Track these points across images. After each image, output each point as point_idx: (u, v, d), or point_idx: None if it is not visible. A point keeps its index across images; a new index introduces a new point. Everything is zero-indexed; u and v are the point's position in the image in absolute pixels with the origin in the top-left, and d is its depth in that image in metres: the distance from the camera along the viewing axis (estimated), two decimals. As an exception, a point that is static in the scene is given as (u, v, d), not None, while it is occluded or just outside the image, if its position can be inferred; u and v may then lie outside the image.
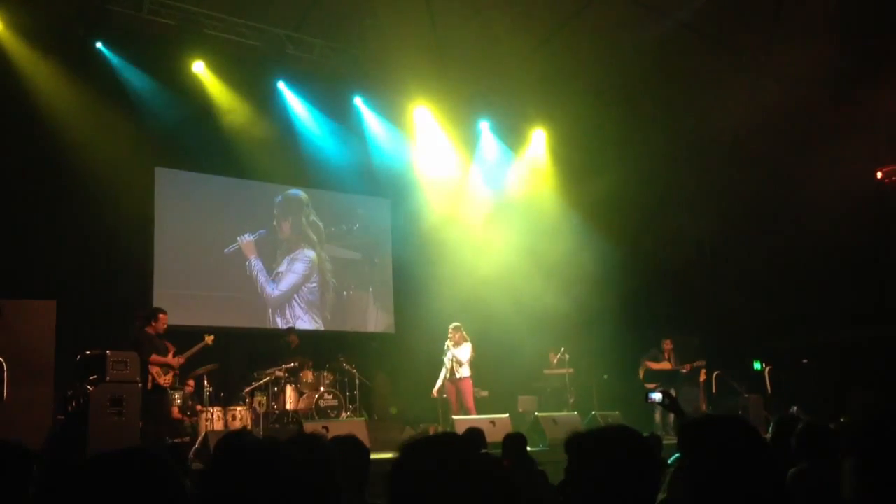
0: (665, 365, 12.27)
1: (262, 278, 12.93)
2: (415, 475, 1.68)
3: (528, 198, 14.38)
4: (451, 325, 11.09)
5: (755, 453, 2.01)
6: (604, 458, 2.03)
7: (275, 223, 13.28)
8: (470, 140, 14.57)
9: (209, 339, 9.81)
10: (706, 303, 13.36)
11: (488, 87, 13.46)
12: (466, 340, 11.04)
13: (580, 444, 2.07)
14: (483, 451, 5.93)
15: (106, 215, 10.92)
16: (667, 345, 12.35)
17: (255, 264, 12.91)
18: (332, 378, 11.35)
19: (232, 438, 2.03)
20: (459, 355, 10.94)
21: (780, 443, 4.46)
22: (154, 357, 9.20)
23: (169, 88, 11.60)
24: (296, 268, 13.38)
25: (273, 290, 13.04)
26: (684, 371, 12.16)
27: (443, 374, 11.09)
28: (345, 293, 13.91)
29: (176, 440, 9.06)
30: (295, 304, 13.25)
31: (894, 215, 12.41)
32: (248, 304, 12.74)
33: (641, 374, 12.35)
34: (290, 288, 13.26)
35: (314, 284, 13.54)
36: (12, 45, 10.50)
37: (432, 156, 14.11)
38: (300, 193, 13.61)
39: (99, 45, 11.27)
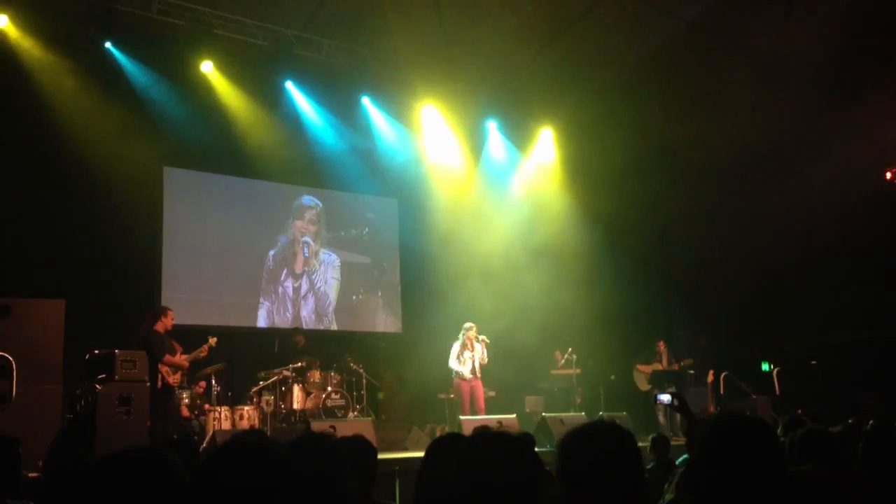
0: (655, 366, 12.29)
1: (290, 304, 13.08)
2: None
3: (536, 197, 14.35)
4: (471, 325, 11.03)
5: (767, 452, 2.01)
6: (580, 454, 2.06)
7: (290, 230, 13.35)
8: (477, 139, 14.56)
9: (213, 340, 9.81)
10: (715, 303, 13.33)
11: (496, 87, 13.44)
12: (478, 341, 11.03)
13: (564, 444, 2.10)
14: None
15: (115, 214, 10.96)
16: (660, 346, 12.36)
17: (287, 286, 13.07)
18: (339, 378, 11.36)
19: (241, 439, 2.03)
20: (482, 355, 10.94)
21: (789, 444, 4.45)
22: (167, 357, 9.23)
23: (178, 88, 11.63)
24: (319, 279, 13.49)
25: (309, 314, 13.25)
26: (675, 369, 12.16)
27: (456, 372, 11.00)
28: (354, 297, 13.92)
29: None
30: (304, 308, 13.27)
31: (904, 216, 12.34)
32: (255, 304, 12.77)
33: (636, 378, 12.37)
34: (321, 303, 13.46)
35: (327, 289, 13.59)
36: (22, 45, 10.53)
37: (440, 155, 14.10)
38: (315, 201, 13.66)
39: (108, 44, 11.29)
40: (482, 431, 2.01)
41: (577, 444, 2.09)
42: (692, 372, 12.20)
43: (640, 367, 12.38)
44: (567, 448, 2.10)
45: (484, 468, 1.88)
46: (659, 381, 11.99)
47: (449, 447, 2.65)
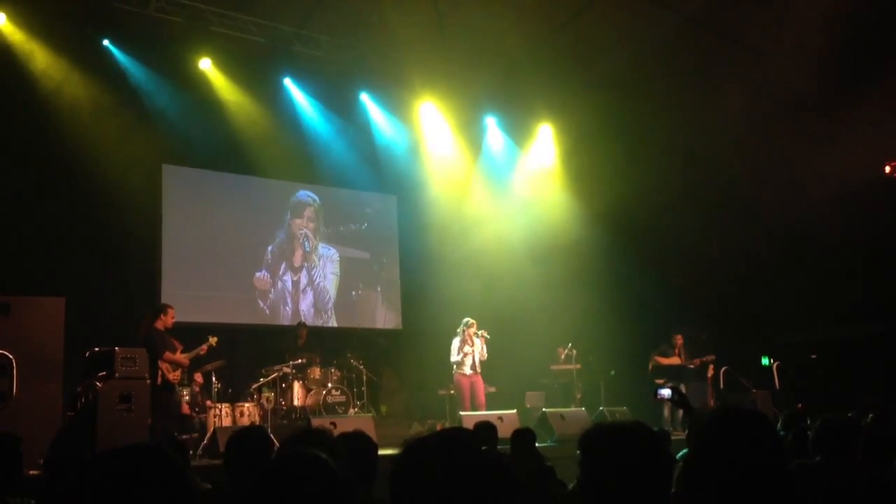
0: (675, 360, 12.22)
1: (289, 298, 13.07)
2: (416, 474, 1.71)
3: (535, 193, 14.35)
4: (471, 321, 11.04)
5: (765, 445, 2.00)
6: (617, 454, 2.01)
7: (288, 225, 13.35)
8: (476, 136, 14.55)
9: (213, 340, 9.81)
10: (714, 298, 13.32)
11: (495, 83, 13.42)
12: (478, 336, 11.04)
13: (593, 440, 2.06)
14: (494, 446, 5.93)
15: (114, 212, 10.96)
16: (678, 340, 12.29)
17: (286, 280, 13.06)
18: (339, 374, 11.37)
19: (242, 436, 2.03)
20: (482, 351, 10.95)
21: (788, 437, 4.46)
22: (167, 355, 9.22)
23: (176, 86, 11.64)
24: (318, 274, 13.49)
25: (308, 308, 13.25)
26: (692, 366, 12.12)
27: (456, 367, 11.01)
28: (353, 293, 13.92)
29: (184, 436, 9.08)
30: (303, 302, 13.28)
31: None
32: (255, 301, 12.77)
33: (651, 368, 12.31)
34: (320, 297, 13.47)
35: (326, 284, 13.60)
36: (20, 43, 10.53)
37: (439, 152, 14.10)
38: (312, 196, 13.66)
39: (106, 42, 11.30)
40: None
41: (608, 448, 2.05)
42: (692, 366, 12.18)
43: (659, 359, 12.24)
44: (596, 451, 2.06)
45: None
46: (660, 375, 11.97)
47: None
